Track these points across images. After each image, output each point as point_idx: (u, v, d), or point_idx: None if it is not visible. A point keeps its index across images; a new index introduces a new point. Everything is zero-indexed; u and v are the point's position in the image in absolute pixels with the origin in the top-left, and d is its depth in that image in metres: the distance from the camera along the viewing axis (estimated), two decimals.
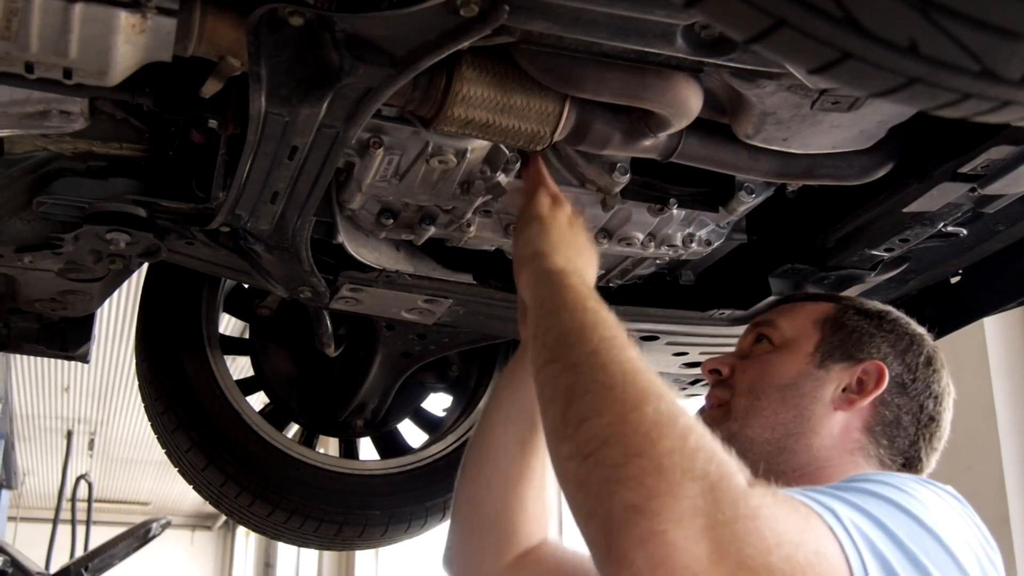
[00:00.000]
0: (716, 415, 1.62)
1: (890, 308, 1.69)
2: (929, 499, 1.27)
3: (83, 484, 11.30)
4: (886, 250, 1.92)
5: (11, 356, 9.38)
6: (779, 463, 1.52)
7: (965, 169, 1.64)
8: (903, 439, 1.56)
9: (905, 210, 1.78)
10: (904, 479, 1.32)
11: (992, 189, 1.69)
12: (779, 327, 1.66)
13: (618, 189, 1.74)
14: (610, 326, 1.25)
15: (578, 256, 1.51)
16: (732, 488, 1.02)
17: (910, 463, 1.57)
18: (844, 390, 1.56)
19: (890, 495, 1.23)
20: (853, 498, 1.19)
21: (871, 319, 1.65)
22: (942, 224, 1.82)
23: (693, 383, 2.60)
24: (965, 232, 1.88)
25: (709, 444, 1.06)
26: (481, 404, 1.72)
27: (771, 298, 2.06)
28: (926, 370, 1.60)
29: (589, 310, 1.29)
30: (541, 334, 1.32)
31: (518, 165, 1.68)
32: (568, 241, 1.52)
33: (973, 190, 1.69)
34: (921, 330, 1.67)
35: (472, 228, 1.83)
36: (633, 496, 1.00)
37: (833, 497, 1.18)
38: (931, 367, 1.61)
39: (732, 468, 1.05)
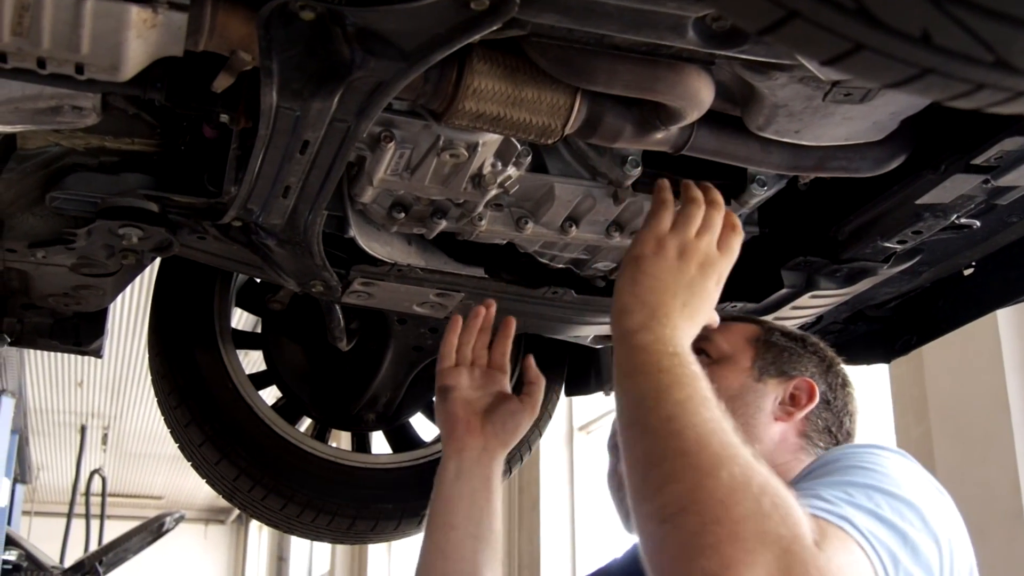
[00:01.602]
0: None
1: (807, 333, 1.84)
2: (897, 469, 1.37)
3: (97, 478, 11.35)
4: (899, 242, 1.91)
5: (25, 351, 9.42)
6: None
7: (978, 160, 1.64)
8: (831, 444, 1.70)
9: (918, 202, 1.77)
10: (866, 450, 1.43)
11: (1005, 180, 1.69)
12: (715, 342, 1.74)
13: (630, 182, 1.74)
14: (684, 385, 1.27)
15: (672, 299, 1.44)
16: (803, 551, 1.07)
17: None
18: (781, 403, 1.69)
19: (871, 480, 1.32)
20: (850, 496, 1.27)
21: (795, 341, 1.78)
22: (955, 216, 1.82)
23: None
24: (978, 224, 1.87)
25: (782, 503, 1.11)
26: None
27: (783, 291, 2.06)
28: (843, 391, 1.76)
29: (664, 371, 1.30)
30: (621, 395, 1.34)
31: (528, 159, 1.68)
32: (664, 285, 1.45)
33: (986, 181, 1.69)
34: (835, 355, 1.81)
35: (484, 222, 1.83)
36: (711, 564, 1.05)
37: (840, 500, 1.24)
38: (846, 388, 1.77)
39: (802, 528, 1.10)
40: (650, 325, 1.39)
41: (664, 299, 1.43)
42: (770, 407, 1.68)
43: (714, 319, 1.54)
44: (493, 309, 1.93)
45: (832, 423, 1.71)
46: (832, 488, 1.29)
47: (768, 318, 2.19)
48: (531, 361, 1.91)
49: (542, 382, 1.90)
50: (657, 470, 1.18)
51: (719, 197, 1.57)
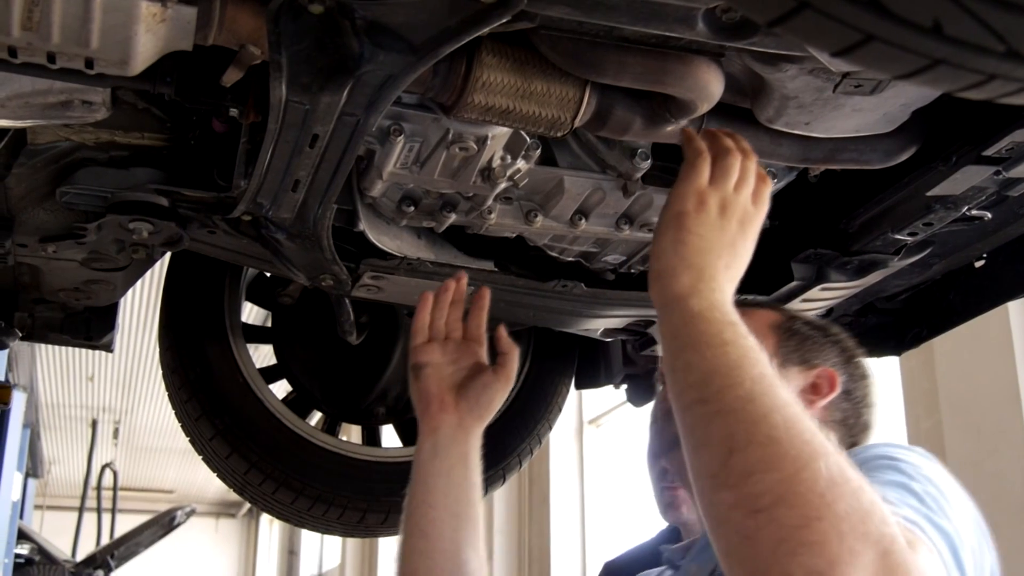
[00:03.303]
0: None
1: (830, 321, 1.81)
2: (929, 471, 1.33)
3: (108, 472, 11.40)
4: (910, 234, 1.91)
5: (36, 346, 9.45)
6: None
7: (989, 152, 1.63)
8: (848, 437, 1.66)
9: (929, 194, 1.77)
10: (900, 451, 1.39)
11: (1017, 172, 1.68)
12: None
13: (639, 175, 1.73)
14: (755, 361, 1.20)
15: (717, 259, 1.36)
16: (902, 552, 1.04)
17: None
18: (802, 392, 1.63)
19: (921, 484, 1.28)
20: (907, 499, 1.24)
21: (817, 329, 1.73)
22: (966, 208, 1.81)
23: None
24: (989, 215, 1.86)
25: (877, 500, 1.08)
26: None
27: (794, 283, 2.06)
28: (863, 382, 1.72)
29: (728, 343, 1.23)
30: (680, 369, 1.25)
31: (538, 152, 1.68)
32: (709, 244, 1.36)
33: (997, 173, 1.68)
34: (856, 345, 1.76)
35: (493, 215, 1.83)
36: (817, 562, 1.01)
37: (903, 504, 1.22)
38: (866, 379, 1.73)
39: (895, 527, 1.07)
40: (699, 289, 1.31)
41: (710, 260, 1.34)
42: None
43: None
44: (464, 281, 1.88)
45: (850, 415, 1.67)
46: (887, 489, 1.24)
47: None
48: (503, 331, 1.85)
49: (515, 351, 1.84)
50: (742, 456, 1.11)
51: (749, 146, 1.48)
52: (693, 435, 1.19)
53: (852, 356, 1.74)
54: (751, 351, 1.22)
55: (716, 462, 1.14)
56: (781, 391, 1.16)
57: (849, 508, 1.04)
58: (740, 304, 1.77)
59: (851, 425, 1.67)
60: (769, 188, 1.46)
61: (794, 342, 1.69)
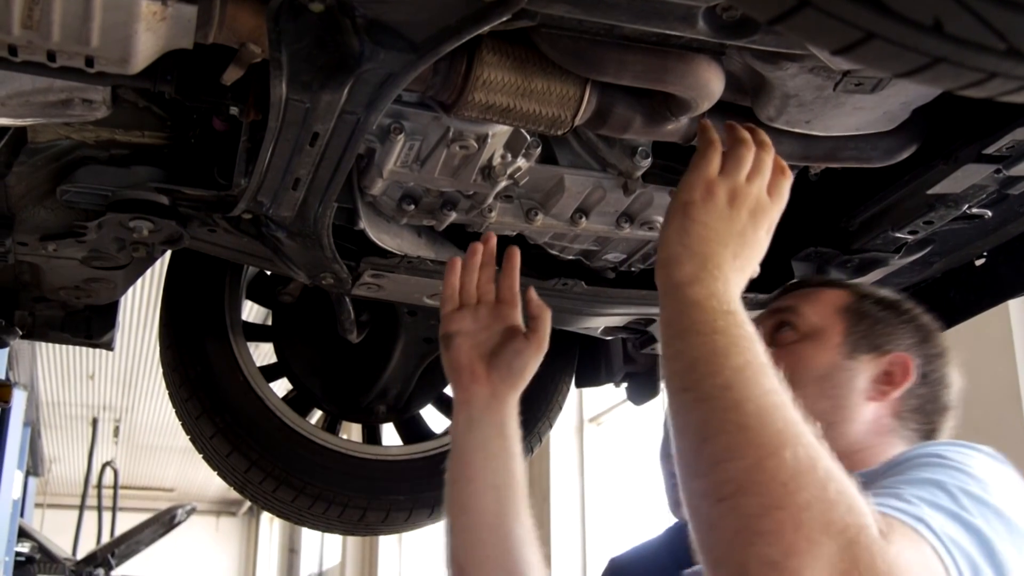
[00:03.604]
0: None
1: (902, 296, 1.69)
2: (988, 471, 1.29)
3: (109, 471, 11.41)
4: (910, 232, 1.91)
5: (36, 344, 9.45)
6: None
7: (990, 150, 1.63)
8: (926, 425, 1.58)
9: (929, 192, 1.77)
10: (957, 450, 1.34)
11: (1017, 170, 1.68)
12: (803, 314, 1.63)
13: (640, 173, 1.73)
14: (743, 350, 1.18)
15: (723, 249, 1.33)
16: (870, 543, 1.01)
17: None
18: (874, 380, 1.56)
19: (960, 482, 1.24)
20: (934, 496, 1.20)
21: (890, 309, 1.64)
22: (967, 206, 1.81)
23: None
24: (990, 214, 1.86)
25: (847, 490, 1.05)
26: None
27: (794, 282, 2.05)
28: (941, 361, 1.63)
29: (718, 331, 1.21)
30: (671, 356, 1.24)
31: (538, 150, 1.68)
32: (715, 233, 1.34)
33: (998, 171, 1.68)
34: (932, 320, 1.67)
35: (493, 213, 1.83)
36: (771, 552, 1.00)
37: (920, 501, 1.18)
38: (944, 359, 1.64)
39: (867, 517, 1.04)
40: (701, 277, 1.29)
41: (715, 249, 1.32)
42: (862, 386, 1.56)
43: (756, 270, 1.42)
44: (493, 242, 1.77)
45: (928, 399, 1.58)
46: (915, 487, 1.22)
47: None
48: (533, 294, 1.75)
49: (547, 314, 1.73)
50: (712, 444, 1.10)
51: (767, 138, 1.44)
52: (676, 423, 1.19)
53: (928, 334, 1.64)
54: (742, 339, 1.20)
55: (691, 451, 1.14)
56: (764, 379, 1.15)
57: (812, 498, 1.02)
58: (808, 284, 1.72)
59: (928, 411, 1.59)
60: (788, 181, 1.43)
61: (864, 326, 1.61)
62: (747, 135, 1.42)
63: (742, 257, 1.34)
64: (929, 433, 1.58)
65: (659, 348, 2.60)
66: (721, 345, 1.19)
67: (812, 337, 1.61)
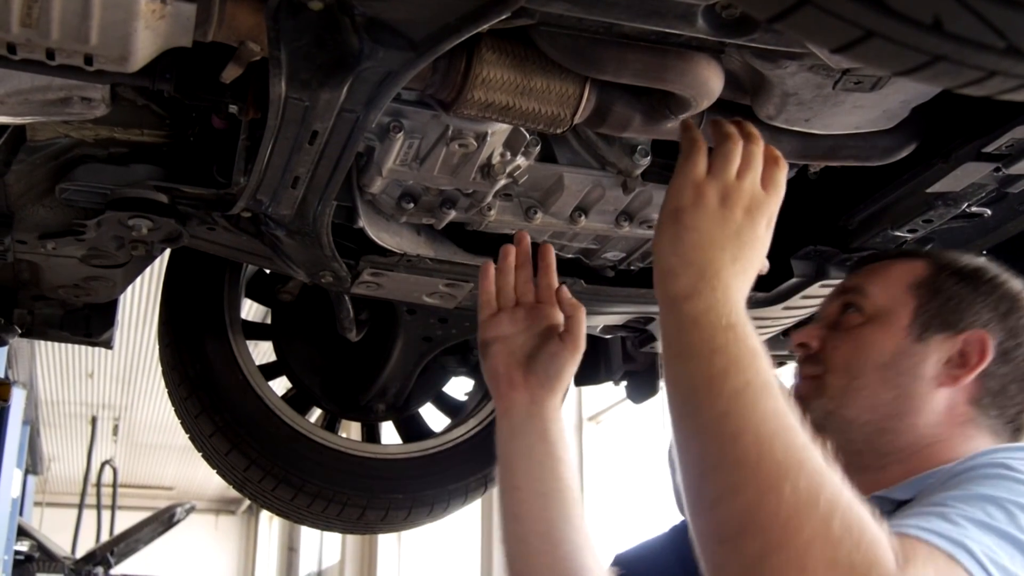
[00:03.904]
0: (808, 390, 1.53)
1: (986, 263, 1.57)
2: None
3: (108, 469, 11.42)
4: (909, 231, 1.91)
5: (35, 342, 9.46)
6: (882, 444, 1.45)
7: (989, 149, 1.63)
8: (1011, 408, 1.47)
9: (929, 190, 1.77)
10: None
11: (1016, 169, 1.68)
12: (869, 294, 1.54)
13: (639, 171, 1.73)
14: (742, 369, 1.12)
15: (720, 253, 1.27)
16: None
17: (1022, 429, 1.49)
18: (947, 364, 1.46)
19: (1022, 498, 1.17)
20: (988, 516, 1.14)
21: (968, 281, 1.52)
22: (966, 204, 1.81)
23: None
24: (989, 212, 1.86)
25: (855, 522, 0.99)
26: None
27: (793, 280, 2.05)
28: None
29: (718, 351, 1.15)
30: (671, 381, 1.19)
31: (537, 148, 1.68)
32: (710, 238, 1.28)
33: (997, 170, 1.68)
34: (1020, 285, 1.54)
35: (493, 212, 1.83)
36: None
37: (968, 522, 1.12)
38: None
39: (879, 551, 0.98)
40: (699, 289, 1.22)
41: (712, 255, 1.26)
42: (932, 371, 1.45)
43: (764, 266, 1.35)
44: (527, 241, 1.71)
45: (1012, 379, 1.46)
46: (967, 504, 1.16)
47: (779, 307, 2.19)
48: (564, 292, 1.67)
49: (580, 312, 1.64)
50: (712, 481, 1.06)
51: (755, 130, 1.39)
52: (679, 457, 1.14)
53: (1014, 305, 1.51)
54: (742, 357, 1.14)
55: (693, 488, 1.10)
56: (764, 401, 1.09)
57: (814, 534, 0.98)
58: (880, 257, 1.62)
59: (1013, 394, 1.47)
60: (783, 171, 1.37)
61: (937, 303, 1.50)
62: (732, 129, 1.38)
63: (742, 259, 1.28)
64: (1016, 419, 1.48)
65: (659, 347, 2.60)
66: (719, 368, 1.13)
67: (877, 319, 1.52)
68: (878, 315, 1.52)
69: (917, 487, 1.36)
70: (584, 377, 2.96)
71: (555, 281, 1.68)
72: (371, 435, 2.93)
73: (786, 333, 2.54)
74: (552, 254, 1.71)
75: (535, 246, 1.72)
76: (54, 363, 12.68)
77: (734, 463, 1.05)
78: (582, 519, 1.59)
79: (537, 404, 1.63)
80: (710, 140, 1.38)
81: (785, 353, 2.72)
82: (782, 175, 1.36)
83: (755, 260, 1.31)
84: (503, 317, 1.67)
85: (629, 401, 2.99)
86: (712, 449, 1.08)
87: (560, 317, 1.66)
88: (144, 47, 1.29)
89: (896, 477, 1.42)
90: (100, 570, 9.56)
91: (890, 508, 1.36)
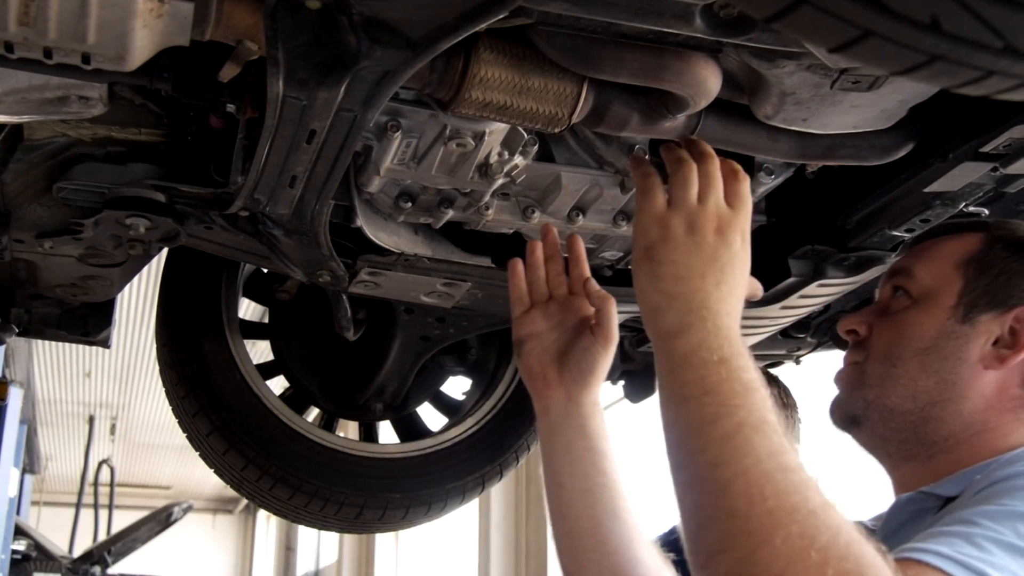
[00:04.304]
0: (850, 378, 1.52)
1: None
2: None
3: (105, 468, 11.42)
4: (907, 230, 1.91)
5: (33, 342, 9.45)
6: (927, 433, 1.43)
7: (987, 148, 1.63)
8: None
9: (926, 190, 1.76)
10: None
11: (1014, 169, 1.68)
12: (916, 276, 1.51)
13: None
14: (733, 409, 1.10)
15: (702, 281, 1.25)
16: None
17: None
18: (995, 344, 1.41)
19: None
20: (1017, 534, 1.11)
21: (1021, 253, 1.47)
22: (963, 204, 1.81)
23: None
24: (987, 212, 1.86)
25: (852, 565, 0.97)
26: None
27: (791, 279, 2.05)
28: None
29: (709, 391, 1.13)
30: (666, 426, 1.17)
31: (535, 148, 1.68)
32: (688, 268, 1.26)
33: (995, 169, 1.68)
34: None
35: (490, 211, 1.83)
36: None
37: (993, 544, 1.10)
38: None
39: None
40: (688, 323, 1.20)
41: (694, 284, 1.24)
42: (977, 354, 1.41)
43: (757, 289, 1.35)
44: (554, 233, 1.68)
45: None
46: (996, 521, 1.13)
47: (777, 306, 2.19)
48: (593, 284, 1.63)
49: (610, 304, 1.59)
50: (707, 534, 1.04)
51: (707, 147, 1.37)
52: (677, 505, 1.13)
53: None
54: (734, 397, 1.12)
55: (691, 540, 1.08)
56: (755, 443, 1.07)
57: None
58: (929, 233, 1.58)
59: None
60: (745, 183, 1.36)
61: (986, 280, 1.45)
62: (682, 153, 1.36)
63: (726, 282, 1.26)
64: None
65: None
66: (710, 412, 1.11)
67: (922, 302, 1.48)
68: (923, 297, 1.48)
69: (963, 482, 1.33)
70: None
71: (586, 271, 1.65)
72: (368, 434, 2.93)
73: (784, 333, 2.54)
74: (581, 245, 1.68)
75: (560, 239, 1.70)
76: (52, 362, 12.67)
77: (726, 515, 1.03)
78: (629, 511, 1.57)
79: (574, 400, 1.60)
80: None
81: (782, 352, 2.73)
82: (745, 187, 1.35)
83: (739, 279, 1.29)
84: (536, 313, 1.65)
85: (627, 400, 2.99)
86: (705, 501, 1.06)
87: (591, 310, 1.63)
88: (142, 46, 1.29)
89: (944, 468, 1.40)
90: (97, 569, 9.56)
91: (936, 504, 1.35)
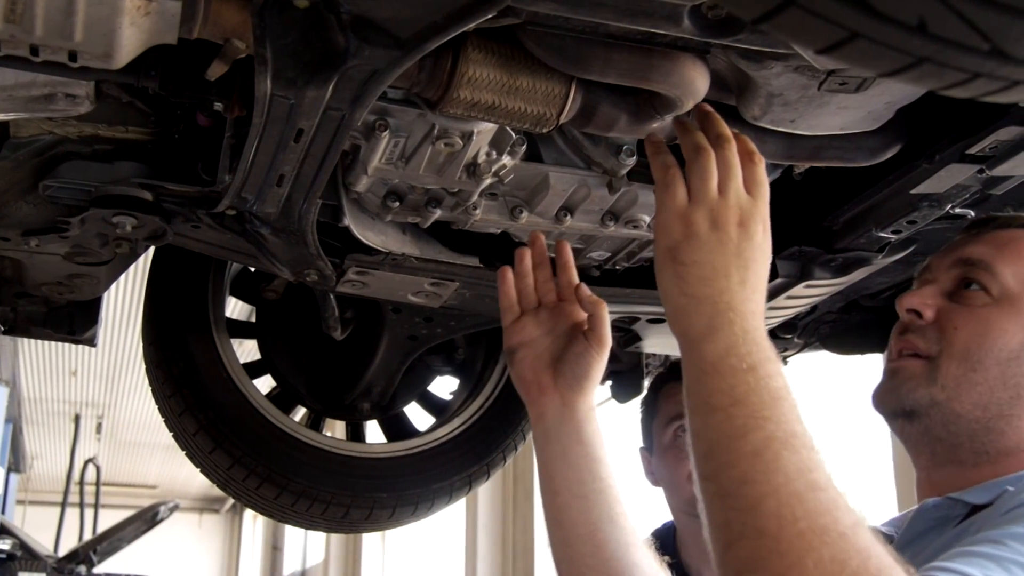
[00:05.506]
0: (915, 370, 1.45)
1: None
2: None
3: (91, 467, 11.37)
4: (893, 232, 1.92)
5: (18, 340, 9.42)
6: (983, 443, 1.39)
7: (973, 150, 1.64)
8: None
9: (913, 191, 1.77)
10: None
11: (1000, 170, 1.69)
12: (999, 274, 1.43)
13: (624, 171, 1.73)
14: (764, 421, 1.08)
15: (727, 280, 1.21)
16: None
17: None
18: None
19: None
20: None
21: None
22: (950, 206, 1.82)
23: None
24: (972, 214, 1.87)
25: None
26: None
27: (778, 280, 2.05)
28: None
29: (737, 402, 1.10)
30: (693, 434, 1.15)
31: (523, 148, 1.68)
32: (712, 268, 1.23)
33: (981, 171, 1.69)
34: None
35: (478, 211, 1.83)
36: None
37: (1016, 566, 1.08)
38: None
39: None
40: (716, 326, 1.18)
41: (719, 285, 1.21)
42: None
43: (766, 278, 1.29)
44: (542, 240, 1.67)
45: None
46: (1007, 542, 1.12)
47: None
48: (584, 290, 1.61)
49: (602, 309, 1.58)
50: (736, 551, 1.02)
51: (724, 126, 1.32)
52: (704, 517, 1.11)
53: None
54: (764, 406, 1.10)
55: (719, 556, 1.06)
56: (785, 459, 1.05)
57: None
58: (1007, 223, 1.51)
59: None
60: (762, 165, 1.31)
61: None
62: (699, 137, 1.31)
63: (751, 279, 1.23)
64: None
65: (643, 347, 2.60)
66: (739, 424, 1.09)
67: (1006, 304, 1.41)
68: (1006, 299, 1.42)
69: (994, 491, 1.31)
70: None
71: (575, 278, 1.64)
72: (356, 434, 2.93)
73: (771, 333, 2.55)
74: (569, 251, 1.68)
75: (549, 245, 1.70)
76: (37, 360, 12.62)
77: (756, 533, 1.01)
78: (626, 516, 1.56)
79: (569, 406, 1.59)
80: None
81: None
82: (762, 170, 1.32)
83: (762, 273, 1.26)
84: (527, 320, 1.64)
85: (614, 401, 2.99)
86: (734, 517, 1.05)
87: (583, 315, 1.62)
88: (129, 44, 1.29)
89: (983, 477, 1.37)
90: (83, 569, 9.52)
91: (962, 512, 1.33)
